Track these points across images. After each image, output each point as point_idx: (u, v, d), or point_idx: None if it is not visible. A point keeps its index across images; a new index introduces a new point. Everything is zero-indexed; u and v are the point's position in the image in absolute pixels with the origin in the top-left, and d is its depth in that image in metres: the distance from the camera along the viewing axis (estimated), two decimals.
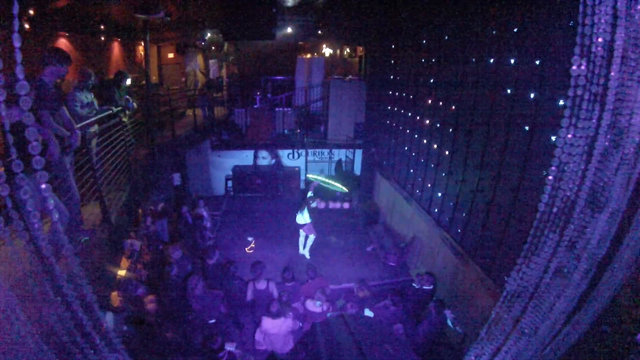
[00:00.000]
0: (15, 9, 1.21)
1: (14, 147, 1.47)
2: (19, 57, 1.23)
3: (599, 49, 2.31)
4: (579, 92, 2.39)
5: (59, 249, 2.05)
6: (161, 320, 5.51)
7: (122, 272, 6.34)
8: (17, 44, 1.22)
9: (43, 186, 1.47)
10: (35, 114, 3.81)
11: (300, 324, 6.22)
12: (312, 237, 9.31)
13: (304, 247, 9.49)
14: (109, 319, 5.02)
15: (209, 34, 14.86)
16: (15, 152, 1.46)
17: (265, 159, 13.44)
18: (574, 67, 2.35)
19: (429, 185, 8.68)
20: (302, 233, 9.36)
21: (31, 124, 1.37)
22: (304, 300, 6.34)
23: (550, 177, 2.53)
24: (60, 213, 3.96)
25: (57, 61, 4.11)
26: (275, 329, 5.61)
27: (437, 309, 5.99)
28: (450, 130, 7.67)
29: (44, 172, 1.43)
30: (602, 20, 2.25)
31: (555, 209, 2.61)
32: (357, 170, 13.27)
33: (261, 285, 6.30)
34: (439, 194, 8.16)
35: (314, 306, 6.10)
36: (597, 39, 2.30)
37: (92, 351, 2.11)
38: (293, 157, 13.51)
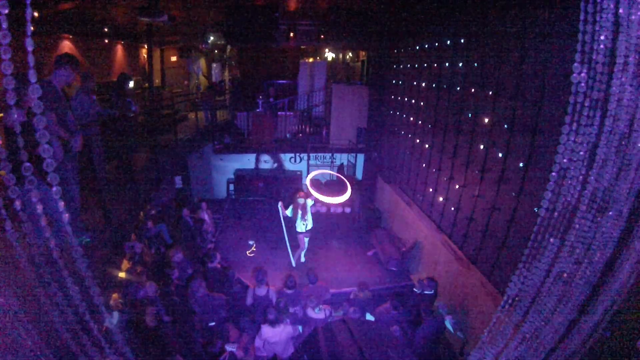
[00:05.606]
0: (29, 14, 1.23)
1: (21, 150, 1.49)
2: (31, 60, 1.26)
3: (600, 55, 2.33)
4: (579, 99, 2.41)
5: (65, 251, 2.07)
6: (161, 322, 5.51)
7: (122, 274, 6.35)
8: (29, 48, 1.24)
9: (54, 189, 1.49)
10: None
11: (300, 330, 6.20)
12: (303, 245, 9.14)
13: (300, 253, 9.29)
14: (114, 320, 5.03)
15: (211, 38, 14.92)
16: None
17: (267, 162, 13.45)
18: (575, 74, 2.37)
19: (431, 190, 8.69)
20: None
21: (42, 127, 1.40)
22: (304, 304, 6.32)
23: (551, 182, 2.55)
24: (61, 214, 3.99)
25: (70, 64, 4.17)
26: (276, 337, 5.55)
27: (426, 312, 5.98)
28: (452, 135, 7.69)
29: (55, 174, 1.46)
30: (603, 27, 2.27)
31: (556, 214, 2.62)
32: (359, 174, 13.28)
33: (261, 291, 6.27)
34: (440, 199, 8.17)
35: (314, 313, 6.06)
36: (598, 45, 2.31)
37: (97, 352, 2.13)
38: (295, 161, 13.53)
